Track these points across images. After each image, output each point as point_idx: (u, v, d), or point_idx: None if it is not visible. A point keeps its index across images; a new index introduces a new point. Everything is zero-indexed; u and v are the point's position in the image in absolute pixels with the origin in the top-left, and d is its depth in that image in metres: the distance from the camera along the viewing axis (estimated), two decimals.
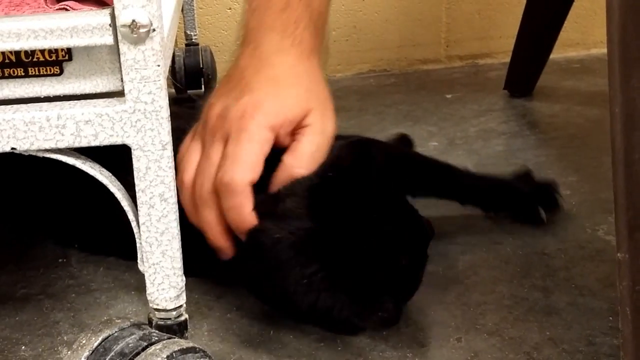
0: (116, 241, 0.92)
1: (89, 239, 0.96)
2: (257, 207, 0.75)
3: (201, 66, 1.36)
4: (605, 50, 1.64)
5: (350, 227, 0.75)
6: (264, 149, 0.74)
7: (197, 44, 1.37)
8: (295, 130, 0.77)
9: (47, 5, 0.69)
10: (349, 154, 0.78)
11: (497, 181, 0.99)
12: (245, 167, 0.73)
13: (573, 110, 1.32)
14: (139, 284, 0.90)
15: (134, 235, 0.79)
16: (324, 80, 0.81)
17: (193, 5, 1.36)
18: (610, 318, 0.79)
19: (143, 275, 0.91)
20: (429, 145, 1.20)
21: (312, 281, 0.74)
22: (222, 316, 0.84)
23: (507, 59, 1.40)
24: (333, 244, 0.75)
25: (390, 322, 0.77)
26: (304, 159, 0.76)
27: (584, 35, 1.58)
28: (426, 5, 1.55)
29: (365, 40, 1.55)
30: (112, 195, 0.87)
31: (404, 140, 1.11)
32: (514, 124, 1.28)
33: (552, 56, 1.37)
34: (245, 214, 0.74)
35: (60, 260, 0.95)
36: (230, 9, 1.50)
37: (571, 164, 1.13)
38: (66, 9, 0.66)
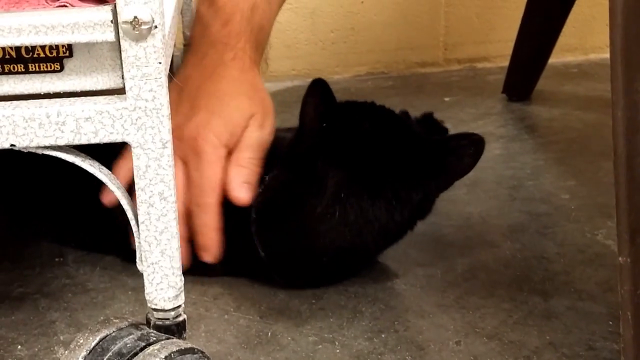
0: (112, 239, 0.92)
1: (85, 236, 0.96)
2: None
3: None
4: (603, 56, 1.64)
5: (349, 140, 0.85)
6: (222, 164, 0.85)
7: None
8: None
9: (47, 3, 0.68)
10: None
11: None
12: (212, 190, 0.85)
13: (571, 115, 1.31)
14: (135, 285, 0.89)
15: (129, 233, 0.79)
16: (263, 87, 0.90)
17: (191, 6, 1.35)
18: (610, 322, 0.79)
19: (140, 275, 0.90)
20: None
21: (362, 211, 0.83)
22: (220, 317, 0.83)
23: (505, 63, 1.40)
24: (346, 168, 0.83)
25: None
26: (243, 151, 0.86)
27: (582, 40, 1.57)
28: (425, 8, 1.54)
29: (363, 42, 1.54)
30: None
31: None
32: (512, 128, 1.28)
33: (550, 61, 1.37)
34: (214, 231, 0.85)
35: (56, 259, 0.94)
36: None
37: (570, 168, 1.13)
38: (66, 6, 0.66)
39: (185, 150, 0.85)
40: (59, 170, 0.90)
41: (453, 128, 1.28)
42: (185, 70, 0.91)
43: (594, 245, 0.93)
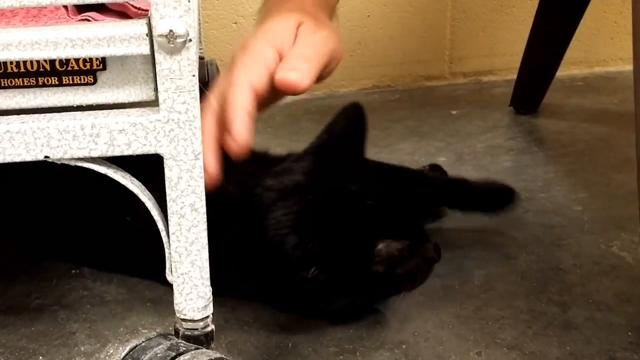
0: (129, 258, 0.92)
1: (101, 256, 0.95)
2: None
3: (207, 80, 1.36)
4: (608, 69, 1.64)
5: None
6: (258, 58, 0.78)
7: (203, 58, 1.37)
8: None
9: (68, 16, 0.69)
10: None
11: (459, 182, 1.03)
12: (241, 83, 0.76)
13: (579, 128, 1.32)
14: (153, 296, 0.90)
15: (146, 252, 0.79)
16: (326, 17, 0.87)
17: (199, 19, 1.36)
18: (630, 333, 0.80)
19: (157, 287, 0.91)
20: (437, 160, 1.20)
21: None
22: (239, 328, 0.84)
23: (511, 76, 1.41)
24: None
25: (435, 260, 0.85)
26: (294, 57, 0.80)
27: (587, 53, 1.59)
28: (430, 22, 1.56)
29: (369, 56, 1.55)
30: (124, 212, 0.87)
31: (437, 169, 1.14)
32: (521, 140, 1.29)
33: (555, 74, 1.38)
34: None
35: (73, 271, 0.95)
36: (235, 23, 1.50)
37: (581, 181, 1.13)
38: (88, 20, 0.66)
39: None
40: (76, 190, 0.90)
41: (462, 141, 1.30)
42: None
43: (609, 256, 0.94)
